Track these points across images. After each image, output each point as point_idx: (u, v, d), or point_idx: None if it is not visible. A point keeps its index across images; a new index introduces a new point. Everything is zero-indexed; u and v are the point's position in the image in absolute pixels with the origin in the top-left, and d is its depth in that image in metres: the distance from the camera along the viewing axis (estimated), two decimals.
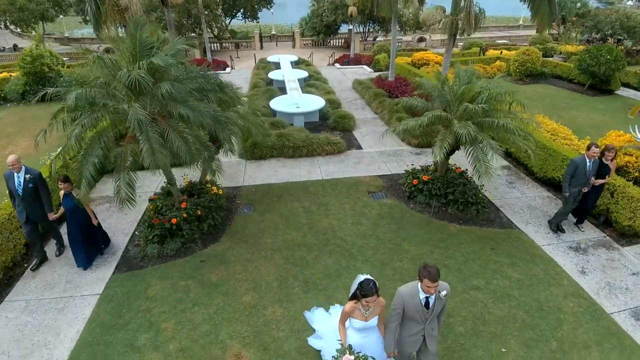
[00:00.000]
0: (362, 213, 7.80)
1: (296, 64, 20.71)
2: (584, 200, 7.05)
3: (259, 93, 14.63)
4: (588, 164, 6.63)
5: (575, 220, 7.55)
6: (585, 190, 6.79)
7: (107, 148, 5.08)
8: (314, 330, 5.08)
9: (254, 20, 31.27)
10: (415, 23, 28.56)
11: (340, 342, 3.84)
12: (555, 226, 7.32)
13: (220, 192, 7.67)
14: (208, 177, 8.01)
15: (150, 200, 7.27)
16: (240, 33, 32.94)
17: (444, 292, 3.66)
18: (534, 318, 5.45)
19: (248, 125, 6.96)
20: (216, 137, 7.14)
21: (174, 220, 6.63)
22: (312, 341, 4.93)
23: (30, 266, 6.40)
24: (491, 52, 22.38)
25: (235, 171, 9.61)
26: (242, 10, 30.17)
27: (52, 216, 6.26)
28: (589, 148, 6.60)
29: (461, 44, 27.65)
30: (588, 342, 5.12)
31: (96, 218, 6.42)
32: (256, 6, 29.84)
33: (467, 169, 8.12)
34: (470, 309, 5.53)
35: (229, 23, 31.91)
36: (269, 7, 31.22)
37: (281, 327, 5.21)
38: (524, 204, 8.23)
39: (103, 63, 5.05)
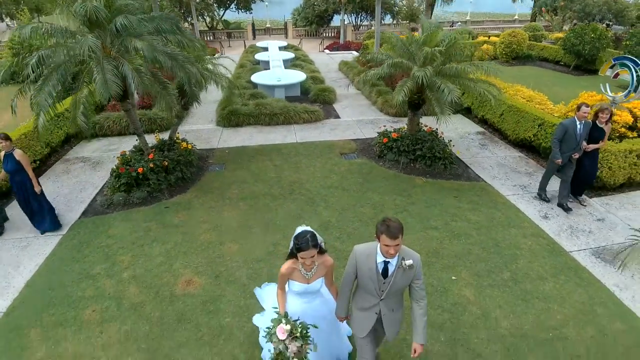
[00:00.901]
0: (332, 169, 7.86)
1: (285, 49, 20.82)
2: (581, 168, 6.36)
3: (244, 71, 14.74)
4: (579, 126, 5.99)
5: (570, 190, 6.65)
6: (577, 156, 6.17)
7: (64, 79, 5.16)
8: (264, 310, 4.31)
9: (247, 12, 31.39)
10: (408, 15, 28.75)
11: (276, 310, 3.17)
12: (543, 193, 6.76)
13: (189, 146, 7.75)
14: (178, 135, 8.11)
15: (121, 155, 7.35)
16: (234, 24, 33.10)
17: (409, 261, 2.77)
18: (489, 253, 5.48)
19: (214, 77, 7.03)
20: (184, 90, 7.25)
21: (140, 170, 6.71)
22: (256, 317, 4.26)
23: None
24: (481, 39, 22.42)
25: (211, 136, 9.69)
26: (235, 2, 30.31)
27: None
28: (578, 108, 5.97)
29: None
30: (543, 274, 5.13)
31: (39, 185, 5.82)
32: None
33: (437, 128, 8.18)
34: (424, 244, 5.58)
35: (223, 14, 32.05)
36: None
37: (235, 259, 5.27)
38: (494, 162, 8.27)
39: None
